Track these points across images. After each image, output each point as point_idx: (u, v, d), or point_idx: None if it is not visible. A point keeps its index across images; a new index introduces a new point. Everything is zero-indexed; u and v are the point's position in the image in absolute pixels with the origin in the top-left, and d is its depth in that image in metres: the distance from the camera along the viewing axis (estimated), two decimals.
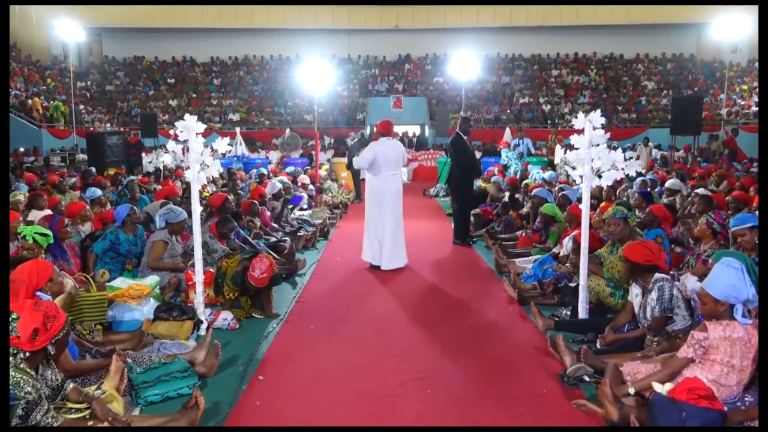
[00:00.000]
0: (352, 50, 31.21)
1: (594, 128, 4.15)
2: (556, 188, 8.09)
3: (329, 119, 26.57)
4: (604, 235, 5.08)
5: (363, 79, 30.05)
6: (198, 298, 4.45)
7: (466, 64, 16.32)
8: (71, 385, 2.87)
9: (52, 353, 2.68)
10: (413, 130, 25.46)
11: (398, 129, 25.12)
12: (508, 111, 27.43)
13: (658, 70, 30.05)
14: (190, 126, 4.17)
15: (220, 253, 5.90)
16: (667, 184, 8.53)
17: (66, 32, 20.62)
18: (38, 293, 3.17)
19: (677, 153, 16.44)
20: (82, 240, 5.83)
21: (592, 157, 4.17)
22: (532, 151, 15.73)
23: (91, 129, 22.85)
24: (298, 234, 8.03)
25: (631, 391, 3.05)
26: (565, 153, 4.58)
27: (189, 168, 4.28)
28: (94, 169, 12.73)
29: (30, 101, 22.03)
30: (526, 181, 9.35)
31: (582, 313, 4.43)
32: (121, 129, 25.43)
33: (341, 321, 4.94)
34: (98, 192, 7.92)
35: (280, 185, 8.74)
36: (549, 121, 26.47)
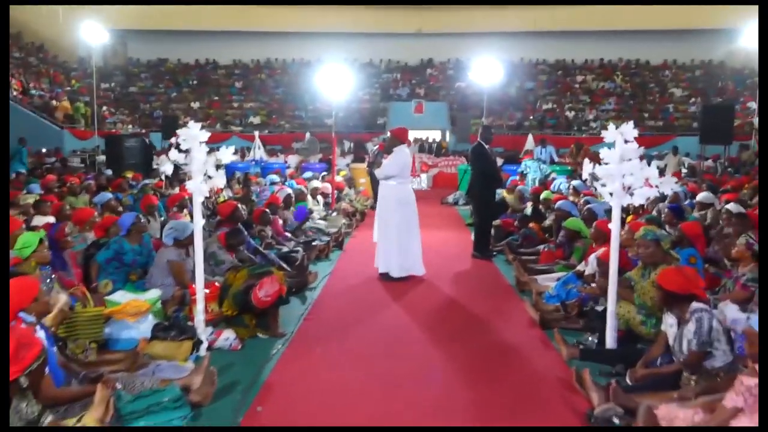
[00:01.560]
0: (374, 54, 31.00)
1: (626, 141, 3.82)
2: (582, 200, 7.72)
3: (349, 123, 26.38)
4: (633, 256, 4.72)
5: (384, 84, 29.83)
6: (198, 316, 4.20)
7: (488, 69, 15.94)
8: (49, 419, 2.63)
9: (25, 386, 2.45)
10: (434, 135, 25.15)
11: (419, 134, 24.87)
12: (531, 117, 26.97)
13: (686, 77, 29.35)
14: (192, 134, 3.94)
15: (228, 264, 5.67)
16: (698, 198, 8.11)
17: (90, 34, 20.70)
18: (21, 314, 2.95)
19: (705, 163, 15.89)
20: (86, 248, 5.65)
21: (624, 173, 3.84)
22: (555, 159, 15.31)
23: (113, 131, 22.96)
24: (312, 244, 7.77)
25: None
26: (594, 167, 4.20)
27: (191, 179, 4.05)
28: (110, 172, 12.66)
29: (54, 102, 22.20)
30: (545, 193, 8.98)
31: (610, 342, 4.08)
32: (143, 131, 25.60)
33: (350, 342, 4.66)
34: (108, 196, 7.75)
35: (289, 190, 8.49)
36: (574, 128, 25.98)
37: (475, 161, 7.98)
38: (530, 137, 21.51)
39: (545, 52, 30.55)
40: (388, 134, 6.96)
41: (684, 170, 15.82)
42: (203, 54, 31.34)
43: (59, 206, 6.41)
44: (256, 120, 27.43)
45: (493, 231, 8.32)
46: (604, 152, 3.90)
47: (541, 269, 6.50)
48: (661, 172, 15.08)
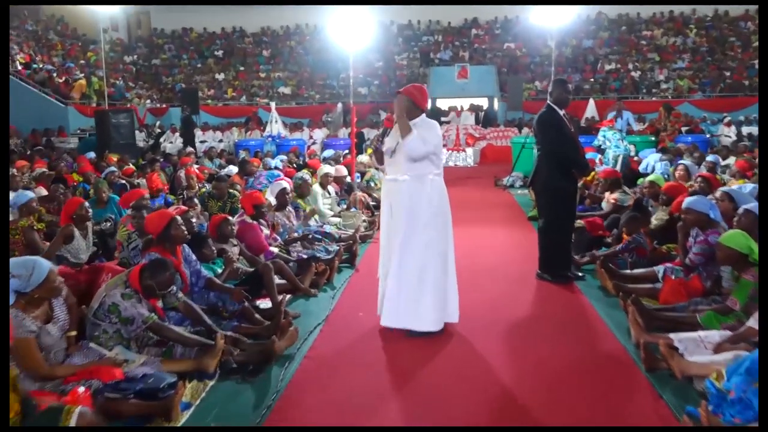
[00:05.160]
0: (413, 15, 28.15)
1: None
2: (717, 192, 5.02)
3: (386, 91, 23.74)
4: None
5: (424, 47, 26.97)
6: None
7: (547, 21, 12.94)
8: None
9: None
10: (480, 102, 22.32)
11: (464, 102, 22.08)
12: (592, 79, 23.75)
13: None
14: None
15: (137, 324, 3.33)
16: None
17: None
18: None
19: None
20: None
21: None
22: (634, 127, 12.40)
23: (129, 105, 21.05)
24: (314, 254, 5.32)
25: None
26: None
27: None
28: (92, 155, 10.56)
29: (57, 78, 20.26)
30: (652, 177, 6.27)
31: None
32: (164, 105, 23.66)
33: None
34: (28, 195, 5.52)
35: (285, 184, 5.95)
36: (642, 90, 22.71)
37: (544, 134, 5.18)
38: (591, 102, 18.68)
39: (604, 6, 27.07)
40: (397, 98, 3.97)
41: None
42: (230, 22, 29.19)
43: None
44: (286, 90, 25.12)
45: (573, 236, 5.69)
46: None
47: (670, 316, 3.92)
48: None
